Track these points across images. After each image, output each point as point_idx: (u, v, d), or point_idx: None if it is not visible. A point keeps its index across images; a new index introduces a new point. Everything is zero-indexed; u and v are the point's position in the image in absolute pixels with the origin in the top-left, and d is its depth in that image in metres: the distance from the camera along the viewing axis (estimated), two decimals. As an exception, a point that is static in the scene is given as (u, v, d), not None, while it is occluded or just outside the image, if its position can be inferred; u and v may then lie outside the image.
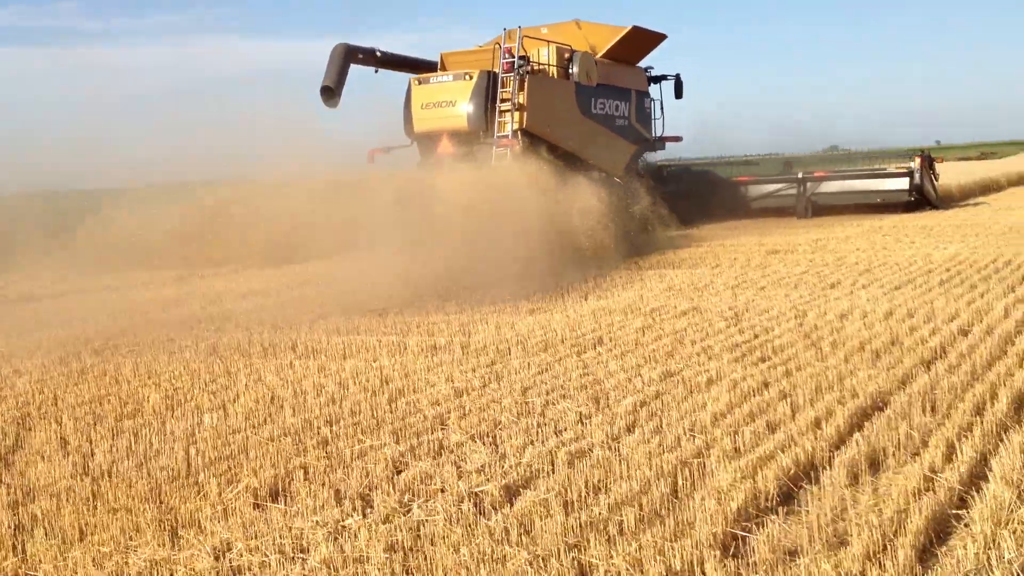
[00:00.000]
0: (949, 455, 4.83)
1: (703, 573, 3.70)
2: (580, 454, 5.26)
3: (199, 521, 4.56)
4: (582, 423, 5.92)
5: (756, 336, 8.33)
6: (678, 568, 3.72)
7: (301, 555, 4.11)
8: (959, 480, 4.44)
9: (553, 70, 17.63)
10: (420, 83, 17.24)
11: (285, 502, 4.80)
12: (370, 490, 4.90)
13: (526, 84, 16.51)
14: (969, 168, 41.20)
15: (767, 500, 4.43)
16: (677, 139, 21.75)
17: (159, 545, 4.27)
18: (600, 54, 18.85)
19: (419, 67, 18.73)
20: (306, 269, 15.69)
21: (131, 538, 4.39)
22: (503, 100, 16.34)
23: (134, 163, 20.14)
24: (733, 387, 6.48)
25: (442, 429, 5.98)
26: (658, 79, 21.10)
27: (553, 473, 4.96)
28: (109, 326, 10.85)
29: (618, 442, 5.44)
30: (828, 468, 4.83)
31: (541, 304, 11.08)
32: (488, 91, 16.38)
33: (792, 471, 4.73)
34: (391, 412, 6.46)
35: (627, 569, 3.73)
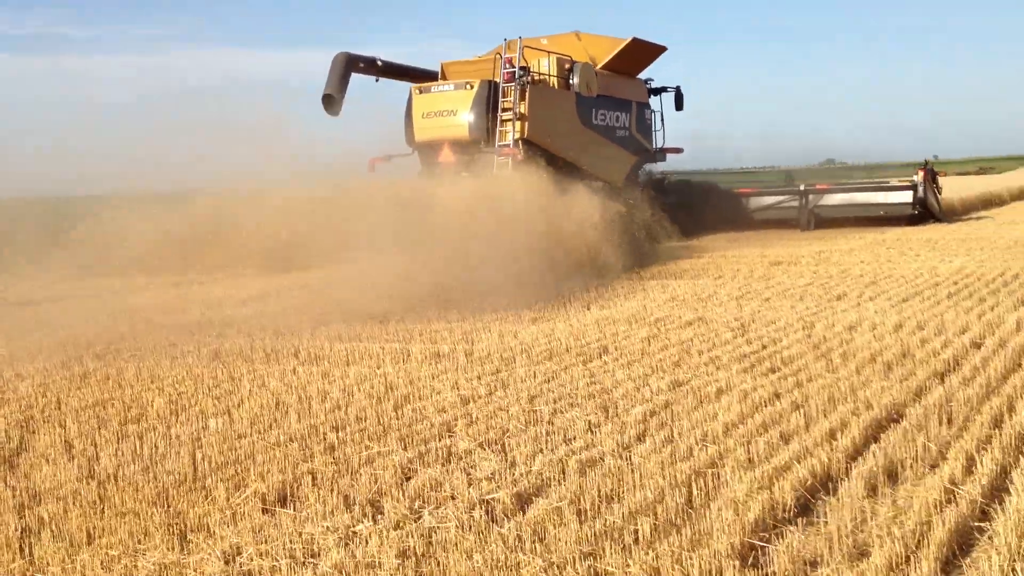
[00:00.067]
0: (969, 467, 4.77)
1: (723, 583, 3.64)
2: (591, 463, 5.20)
3: (208, 525, 4.49)
4: (591, 432, 5.85)
5: (764, 347, 8.27)
6: (697, 577, 3.66)
7: (312, 560, 4.04)
8: (981, 492, 4.38)
9: (554, 80, 17.67)
10: (421, 92, 17.27)
11: (294, 507, 4.73)
12: (379, 496, 4.83)
13: (527, 94, 16.53)
14: (969, 183, 41.28)
15: (784, 511, 4.37)
16: (678, 150, 21.78)
17: (168, 549, 4.20)
18: (600, 65, 18.90)
19: (420, 76, 18.75)
20: (306, 276, 15.62)
21: (139, 542, 4.32)
22: (504, 109, 16.37)
23: (123, 170, 20.05)
24: (744, 397, 6.42)
25: (449, 436, 5.91)
26: (658, 91, 21.14)
27: (564, 481, 4.89)
28: (109, 330, 10.77)
29: (629, 451, 5.38)
30: (845, 479, 4.76)
31: (543, 313, 11.02)
32: (489, 101, 16.41)
33: (809, 482, 4.67)
34: (397, 419, 6.39)
35: (645, 578, 3.66)
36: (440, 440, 5.81)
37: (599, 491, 4.67)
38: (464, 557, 3.93)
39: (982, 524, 4.13)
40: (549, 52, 17.76)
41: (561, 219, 13.94)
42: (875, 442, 5.31)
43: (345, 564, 3.93)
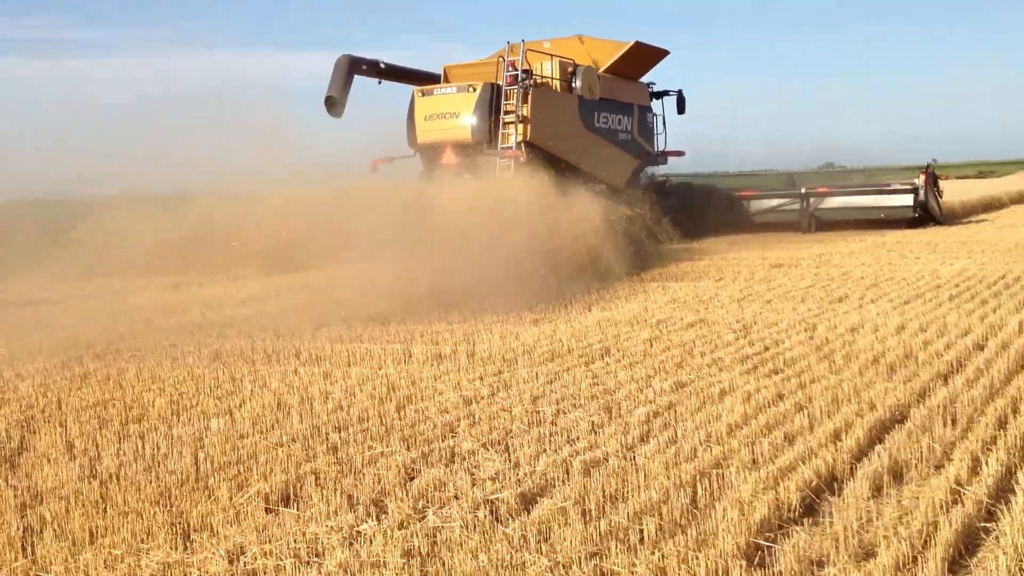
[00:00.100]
0: (974, 468, 4.76)
1: (729, 583, 3.62)
2: (595, 463, 5.18)
3: (211, 525, 4.48)
4: (595, 432, 5.84)
5: (766, 348, 8.26)
6: (703, 577, 3.64)
7: (316, 559, 4.02)
8: (987, 493, 4.36)
9: (556, 84, 17.68)
10: (424, 95, 17.28)
11: (297, 507, 4.71)
12: (383, 496, 4.82)
13: (530, 96, 16.55)
14: (969, 186, 41.26)
15: (789, 511, 4.35)
16: (679, 153, 21.80)
17: (171, 548, 4.18)
18: (603, 69, 18.92)
19: (422, 79, 18.76)
20: (306, 277, 15.62)
21: (142, 541, 4.30)
22: (507, 112, 16.39)
23: (124, 171, 20.03)
24: (747, 399, 6.40)
25: (452, 437, 5.89)
26: (661, 94, 21.16)
27: (568, 482, 4.87)
28: (109, 331, 10.76)
29: (633, 452, 5.36)
30: (850, 480, 4.75)
31: (544, 314, 11.01)
32: (492, 103, 16.43)
33: (814, 483, 4.65)
34: (400, 419, 6.38)
35: (652, 578, 3.65)
36: (443, 440, 5.79)
37: (603, 491, 4.66)
38: (469, 557, 3.91)
39: (988, 525, 4.12)
40: (552, 55, 17.78)
41: (562, 221, 13.92)
42: (880, 443, 5.30)
43: (350, 563, 3.92)
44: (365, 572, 3.85)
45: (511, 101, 16.43)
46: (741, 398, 6.42)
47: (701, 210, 21.71)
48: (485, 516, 4.40)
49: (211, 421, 6.52)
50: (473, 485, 4.89)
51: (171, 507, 4.78)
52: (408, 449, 5.62)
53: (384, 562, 3.93)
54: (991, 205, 31.60)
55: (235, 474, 5.27)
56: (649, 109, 20.77)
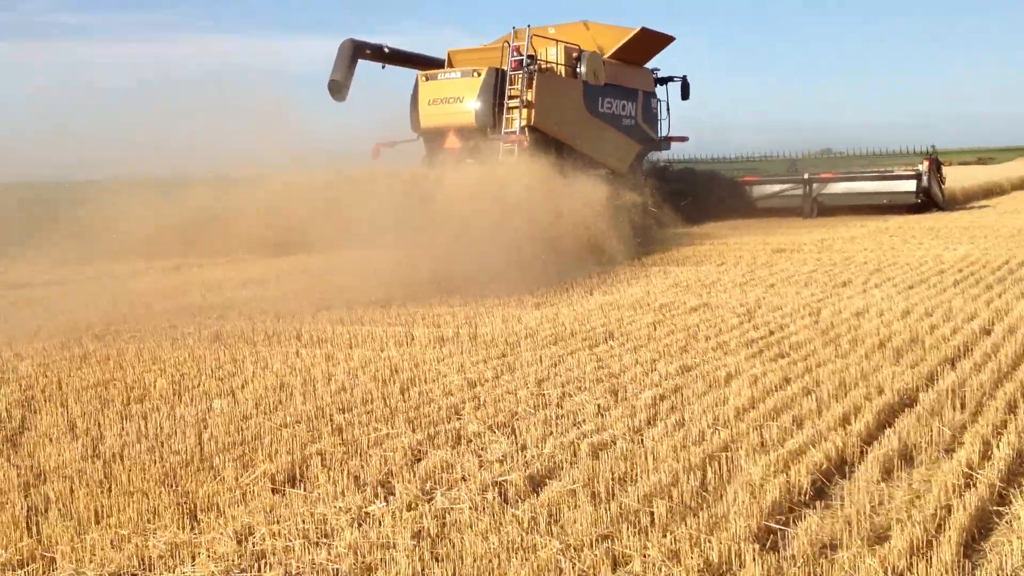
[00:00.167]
0: (985, 452, 4.73)
1: (742, 565, 3.59)
2: (603, 446, 5.15)
3: (218, 505, 4.44)
4: (601, 415, 5.80)
5: (771, 333, 8.22)
6: (716, 560, 3.61)
7: (325, 540, 3.98)
8: (999, 477, 4.33)
9: (561, 69, 17.62)
10: (428, 79, 17.23)
11: (304, 488, 4.67)
12: (390, 478, 4.78)
13: (534, 81, 16.49)
14: (970, 172, 41.18)
15: (800, 494, 4.32)
16: (683, 139, 21.73)
17: (179, 528, 4.14)
18: (608, 54, 18.83)
19: (426, 64, 18.68)
20: (306, 261, 15.57)
21: (149, 521, 4.26)
22: (511, 97, 16.34)
23: (123, 155, 19.92)
24: (754, 382, 6.37)
25: (458, 419, 5.85)
26: (665, 80, 21.08)
27: (577, 464, 4.84)
28: (108, 313, 10.70)
29: (641, 435, 5.33)
30: (860, 463, 4.72)
31: (546, 298, 10.97)
32: (496, 88, 16.39)
33: (824, 466, 4.62)
34: (404, 401, 6.34)
35: (664, 561, 3.61)
36: (449, 423, 5.75)
37: (613, 474, 4.62)
38: (480, 539, 3.88)
39: (1001, 509, 4.08)
40: (557, 41, 17.71)
41: (565, 206, 13.87)
42: (889, 427, 5.26)
43: (359, 545, 3.88)
44: (375, 553, 3.81)
45: (516, 86, 16.37)
46: (748, 382, 6.38)
47: (703, 195, 21.65)
48: (494, 498, 4.36)
49: (213, 402, 6.49)
50: (480, 467, 4.85)
51: (176, 487, 4.74)
52: (414, 431, 5.58)
53: (394, 543, 3.89)
54: (992, 191, 31.57)
55: (240, 454, 5.24)
56: (653, 95, 20.69)
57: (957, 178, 30.13)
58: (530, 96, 16.43)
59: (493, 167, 15.28)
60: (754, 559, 3.58)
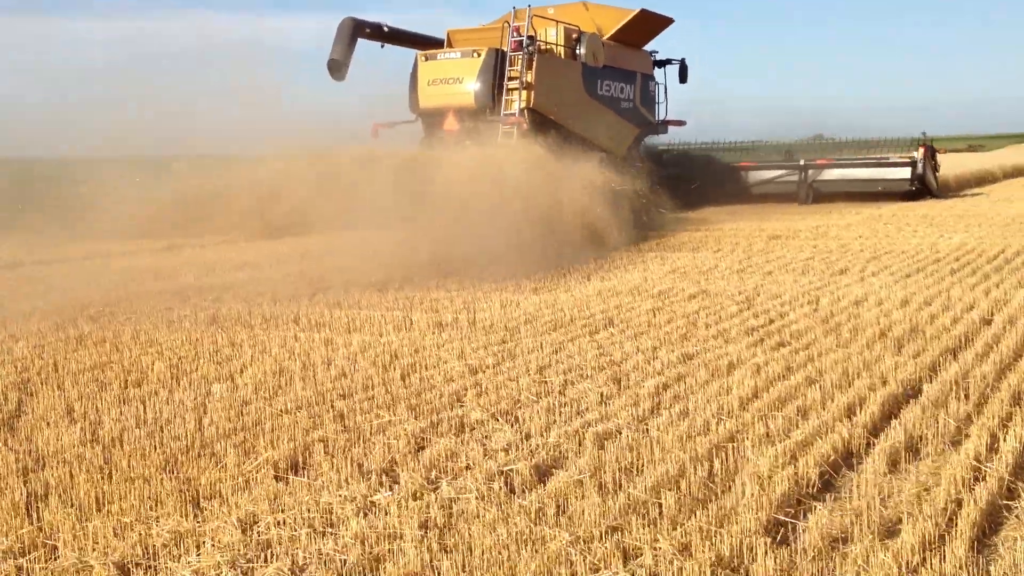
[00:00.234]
0: (992, 445, 4.71)
1: (754, 559, 3.56)
2: (608, 435, 5.12)
3: (221, 492, 4.39)
4: (604, 404, 5.77)
5: (771, 321, 8.19)
6: (727, 554, 3.58)
7: (331, 530, 3.94)
8: (1008, 471, 4.31)
9: (560, 50, 17.50)
10: (427, 59, 17.10)
11: (307, 475, 4.63)
12: (393, 466, 4.74)
13: (534, 63, 16.37)
14: (961, 160, 41.21)
15: (809, 487, 4.29)
16: (680, 123, 21.67)
17: (182, 516, 4.09)
18: (607, 36, 18.71)
19: (426, 43, 18.54)
20: (300, 242, 15.49)
21: (151, 508, 4.21)
22: (511, 78, 16.24)
23: (112, 133, 19.74)
24: (757, 371, 6.34)
25: (460, 406, 5.81)
26: (663, 63, 20.96)
27: (582, 454, 4.80)
28: (103, 294, 10.62)
29: (645, 424, 5.29)
30: (867, 456, 4.69)
31: (543, 283, 10.92)
32: (496, 69, 16.27)
33: (831, 458, 4.59)
34: (405, 388, 6.29)
35: (675, 554, 3.58)
36: (451, 410, 5.71)
37: (619, 464, 4.59)
38: (488, 530, 3.84)
39: (1010, 503, 4.06)
40: (557, 21, 17.59)
41: (562, 190, 13.80)
42: (895, 418, 5.24)
43: (366, 535, 3.84)
44: (383, 544, 3.77)
45: (515, 67, 16.26)
46: (751, 371, 6.35)
47: (699, 180, 21.61)
48: (500, 488, 4.33)
49: (212, 386, 6.43)
50: (485, 456, 4.81)
51: (178, 474, 4.69)
52: (416, 418, 5.54)
53: (401, 534, 3.85)
54: (984, 179, 31.66)
55: (241, 441, 5.19)
56: (652, 78, 20.59)
57: (949, 166, 30.15)
58: (530, 78, 16.33)
59: (492, 149, 15.19)
60: (766, 553, 3.55)
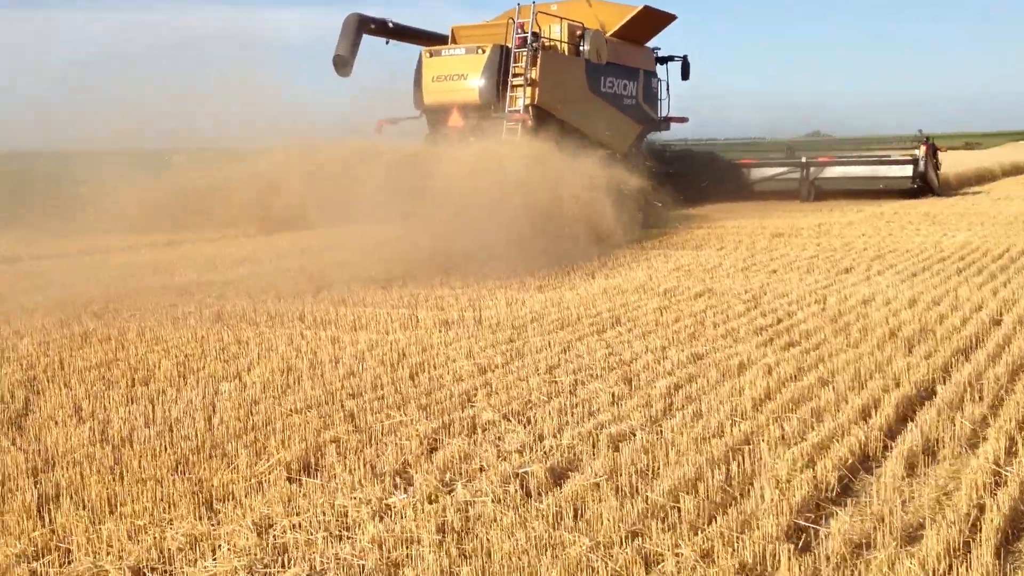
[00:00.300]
0: (1010, 448, 4.68)
1: (777, 566, 3.52)
2: (622, 437, 5.08)
3: (234, 494, 4.35)
4: (616, 404, 5.73)
5: (780, 320, 8.16)
6: (750, 561, 3.54)
7: (347, 533, 3.90)
8: (1028, 475, 4.28)
9: (564, 47, 17.45)
10: (432, 55, 17.05)
11: (320, 477, 4.59)
12: (407, 467, 4.70)
13: (539, 60, 16.33)
14: (959, 157, 41.19)
15: (828, 491, 4.26)
16: (683, 120, 21.61)
17: (196, 519, 4.05)
18: (610, 32, 18.65)
19: (430, 39, 18.48)
20: (300, 237, 15.45)
21: (165, 510, 4.17)
22: (515, 75, 16.19)
23: (110, 127, 19.63)
24: (768, 372, 6.30)
25: (471, 407, 5.77)
26: (665, 60, 20.92)
27: (597, 456, 4.76)
28: (105, 289, 10.57)
29: (659, 426, 5.26)
30: (884, 459, 4.66)
31: (548, 281, 10.89)
32: (500, 66, 16.23)
33: (848, 461, 4.56)
34: (414, 387, 6.25)
35: (697, 561, 3.55)
36: (462, 410, 5.67)
37: (635, 467, 4.55)
38: (506, 535, 3.80)
39: (1031, 508, 4.03)
40: (560, 18, 17.54)
41: (565, 187, 13.75)
42: (910, 420, 5.20)
43: (384, 539, 3.80)
44: (400, 549, 3.73)
45: (520, 64, 16.22)
46: (762, 371, 6.32)
47: (701, 177, 21.58)
48: (516, 491, 4.29)
49: (221, 385, 6.39)
50: (499, 458, 4.77)
51: (189, 475, 4.65)
52: (427, 418, 5.50)
53: (419, 538, 3.81)
54: (984, 177, 31.62)
55: (252, 441, 5.15)
56: (654, 74, 20.55)
57: (949, 163, 30.11)
58: (534, 74, 16.29)
59: (497, 146, 15.14)
60: (789, 559, 3.51)
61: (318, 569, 3.63)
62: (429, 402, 5.86)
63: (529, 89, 16.18)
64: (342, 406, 5.79)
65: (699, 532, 3.80)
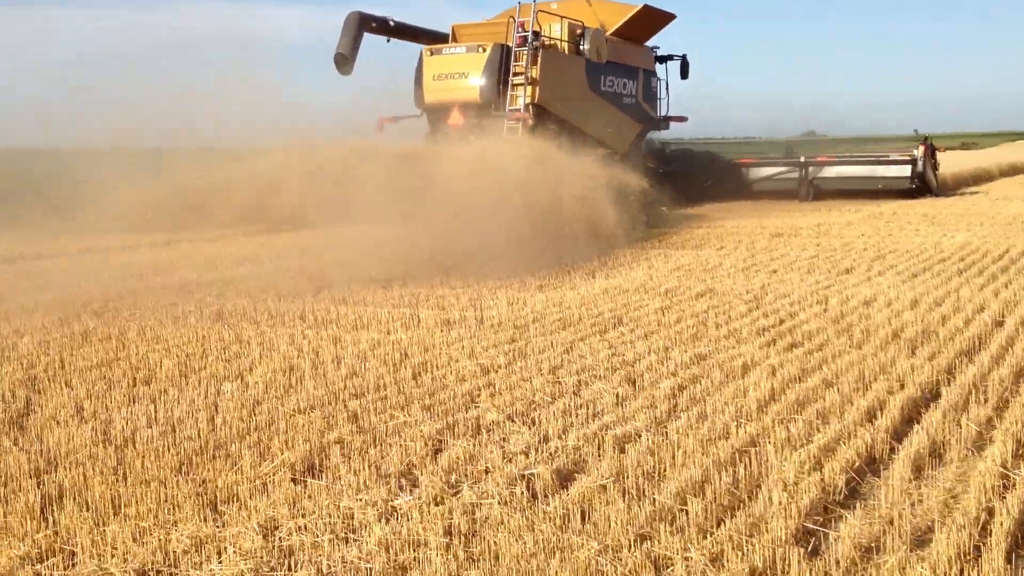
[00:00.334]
0: (1017, 450, 4.67)
1: (787, 570, 3.51)
2: (627, 439, 5.06)
3: (238, 496, 4.32)
4: (621, 406, 5.71)
5: (782, 321, 8.14)
6: (760, 565, 3.53)
7: (353, 536, 3.88)
8: (1037, 478, 4.27)
9: (564, 45, 17.44)
10: (432, 54, 17.04)
11: (324, 478, 4.56)
12: (412, 469, 4.68)
13: (539, 59, 16.32)
14: (956, 158, 41.22)
15: (836, 494, 4.24)
16: (682, 119, 21.61)
17: (201, 520, 4.02)
18: (610, 32, 18.65)
19: (431, 38, 18.48)
20: (299, 237, 15.41)
21: (169, 512, 4.14)
22: (516, 74, 16.18)
23: (109, 126, 19.57)
24: (772, 373, 6.29)
25: (475, 407, 5.75)
26: (664, 59, 20.91)
27: (603, 458, 4.75)
28: (104, 289, 10.52)
29: (664, 428, 5.24)
30: (891, 462, 4.65)
31: (548, 281, 10.87)
32: (501, 65, 16.22)
33: (856, 464, 4.55)
34: (417, 387, 6.23)
35: (707, 565, 3.53)
36: (466, 411, 5.65)
37: (641, 469, 4.54)
38: (514, 538, 3.78)
39: (1041, 511, 4.02)
40: (560, 17, 17.53)
41: (567, 186, 13.73)
42: (916, 423, 5.20)
43: (390, 542, 3.78)
44: (407, 552, 3.71)
45: (520, 63, 16.22)
46: (766, 373, 6.30)
47: (700, 176, 21.59)
48: (522, 493, 4.27)
49: (223, 385, 6.36)
50: (504, 459, 4.75)
51: (193, 476, 4.62)
52: (431, 419, 5.48)
53: (425, 541, 3.79)
54: (981, 177, 31.65)
55: (255, 441, 5.12)
56: (653, 73, 20.55)
57: (946, 164, 30.15)
58: (535, 73, 16.28)
59: (498, 145, 15.12)
60: (800, 563, 3.50)
61: (325, 572, 3.60)
62: (433, 403, 5.84)
63: (530, 88, 16.17)
64: (345, 406, 5.76)
65: (708, 535, 3.79)
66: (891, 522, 3.86)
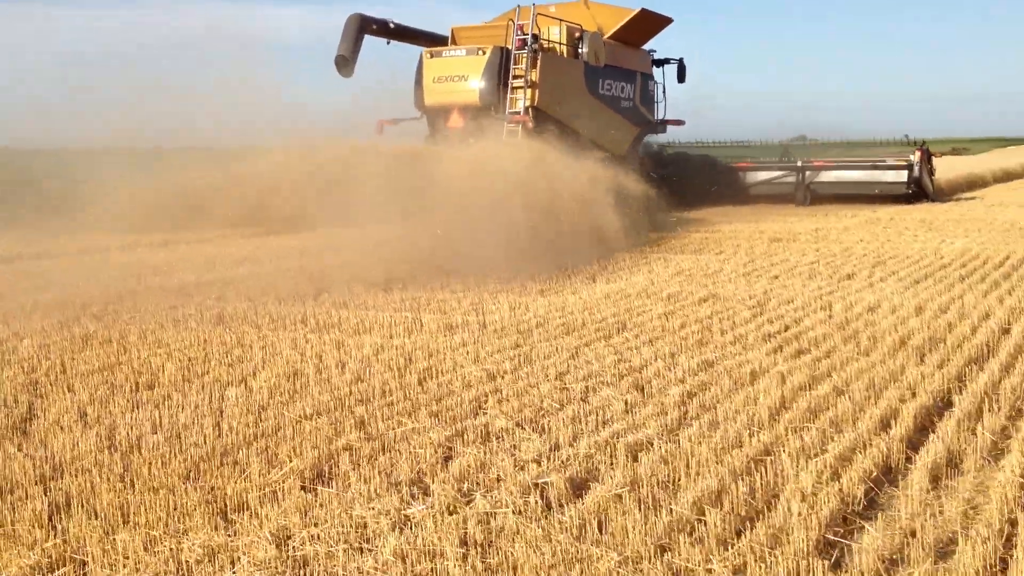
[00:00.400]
0: (1035, 461, 4.63)
1: (810, 583, 3.46)
2: (639, 447, 5.01)
3: (248, 504, 4.26)
4: (630, 413, 5.66)
5: (787, 327, 8.11)
6: (783, 577, 3.48)
7: (367, 546, 3.82)
8: (1058, 489, 4.23)
9: (563, 49, 17.43)
10: (432, 57, 17.02)
11: (335, 486, 4.50)
12: (423, 477, 4.62)
13: (539, 62, 16.30)
14: (948, 163, 41.29)
15: (855, 504, 4.20)
16: (679, 123, 21.61)
17: (212, 529, 3.96)
18: (608, 35, 18.65)
19: (431, 40, 18.44)
20: (299, 238, 15.34)
21: (179, 520, 4.07)
22: (515, 77, 16.16)
23: (108, 125, 19.46)
24: (781, 381, 6.24)
25: (483, 414, 5.70)
26: (662, 62, 20.91)
27: (616, 467, 4.69)
28: (103, 290, 10.44)
29: (676, 436, 5.19)
30: (907, 471, 4.61)
31: (549, 285, 10.82)
32: (501, 67, 16.20)
33: (873, 474, 4.50)
34: (424, 393, 6.17)
35: (730, 577, 3.48)
36: (474, 418, 5.60)
37: (656, 478, 4.49)
38: (531, 548, 3.72)
39: (1061, 523, 3.98)
40: (559, 20, 17.52)
41: (565, 189, 13.69)
42: (930, 432, 5.16)
43: (406, 552, 3.72)
44: (424, 562, 3.65)
45: (520, 65, 16.20)
46: (775, 380, 6.25)
47: (697, 181, 21.57)
48: (536, 502, 4.21)
49: (227, 390, 6.29)
50: (516, 467, 4.70)
51: (202, 483, 4.56)
52: (439, 426, 5.42)
53: (441, 551, 3.73)
54: (975, 183, 31.76)
55: (263, 448, 5.06)
56: (651, 77, 20.55)
57: (941, 170, 30.19)
58: (534, 76, 16.26)
59: (497, 147, 15.07)
60: (824, 575, 3.45)
61: (341, 583, 3.54)
62: (440, 409, 5.78)
63: (529, 91, 16.15)
64: (352, 412, 5.70)
65: (728, 547, 3.74)
66: (913, 533, 3.82)
